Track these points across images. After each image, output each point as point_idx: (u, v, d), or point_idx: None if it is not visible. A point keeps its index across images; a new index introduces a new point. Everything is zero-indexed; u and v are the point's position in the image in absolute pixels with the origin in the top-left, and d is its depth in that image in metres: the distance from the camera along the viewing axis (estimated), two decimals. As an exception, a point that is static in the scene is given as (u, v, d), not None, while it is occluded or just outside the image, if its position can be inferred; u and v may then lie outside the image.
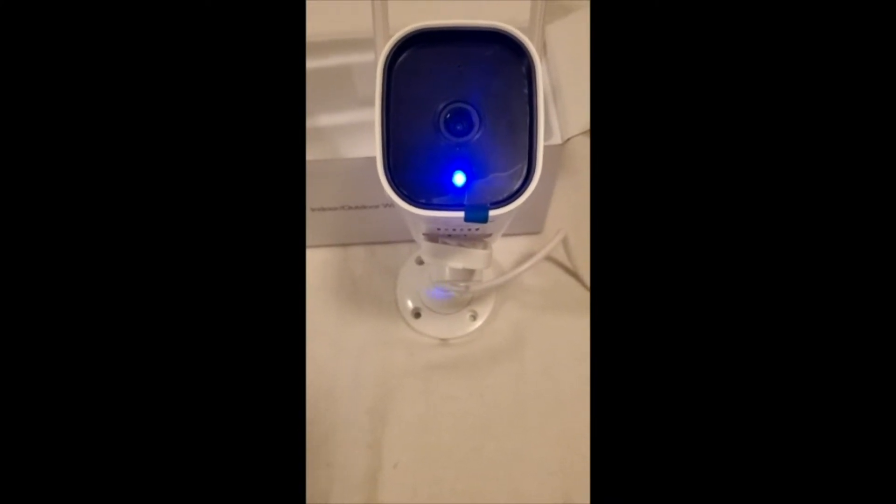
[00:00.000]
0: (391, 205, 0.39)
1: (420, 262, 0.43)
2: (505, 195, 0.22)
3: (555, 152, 0.35)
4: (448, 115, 0.22)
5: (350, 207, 0.40)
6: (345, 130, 0.35)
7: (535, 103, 0.22)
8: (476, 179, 0.22)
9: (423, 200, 0.22)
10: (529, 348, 0.41)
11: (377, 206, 0.40)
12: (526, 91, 0.22)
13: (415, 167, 0.22)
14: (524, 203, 0.22)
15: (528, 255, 0.38)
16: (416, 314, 0.42)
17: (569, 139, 0.35)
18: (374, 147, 0.22)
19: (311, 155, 0.35)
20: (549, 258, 0.44)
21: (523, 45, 0.22)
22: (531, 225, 0.44)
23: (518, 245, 0.44)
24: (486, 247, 0.29)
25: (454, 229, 0.27)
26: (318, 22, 0.37)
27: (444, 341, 0.42)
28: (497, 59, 0.22)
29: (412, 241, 0.43)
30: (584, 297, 0.43)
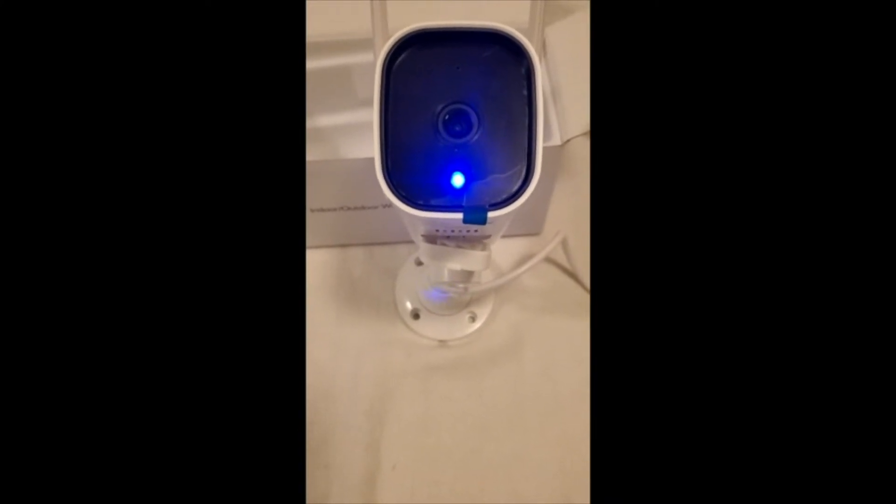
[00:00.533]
0: (390, 205, 0.39)
1: (419, 264, 0.43)
2: (504, 196, 0.22)
3: (554, 153, 0.35)
4: (447, 116, 0.22)
5: (349, 208, 0.40)
6: (344, 131, 0.35)
7: (535, 104, 0.22)
8: (475, 181, 0.22)
9: (422, 202, 0.22)
10: (528, 350, 0.41)
11: (376, 207, 0.40)
12: (525, 92, 0.22)
13: (413, 168, 0.22)
14: (523, 205, 0.22)
15: (528, 257, 0.38)
16: (415, 315, 0.42)
17: (568, 140, 0.35)
18: (372, 148, 0.22)
19: (310, 156, 0.35)
20: (548, 260, 0.44)
21: (522, 45, 0.22)
22: (530, 226, 0.44)
23: (517, 246, 0.44)
24: (484, 248, 0.29)
25: (452, 231, 0.26)
26: (318, 22, 0.37)
27: (442, 342, 0.41)
28: (496, 59, 0.22)
29: (411, 242, 0.43)
30: (584, 298, 0.43)
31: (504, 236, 0.43)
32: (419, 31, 0.22)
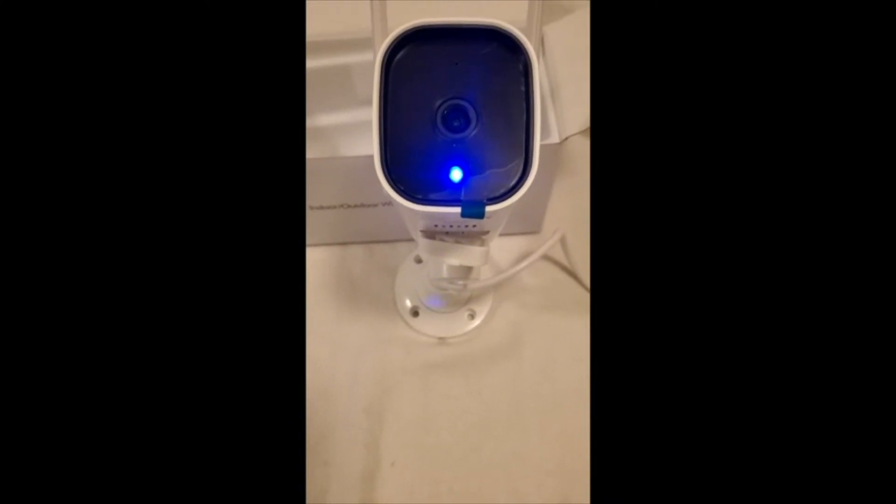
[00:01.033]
0: (390, 203, 0.39)
1: (418, 261, 0.43)
2: (502, 191, 0.22)
3: (553, 151, 0.35)
4: (445, 112, 0.22)
5: (349, 206, 0.40)
6: (344, 129, 0.36)
7: (532, 100, 0.22)
8: (473, 175, 0.22)
9: (420, 196, 0.23)
10: (527, 347, 0.41)
11: (376, 205, 0.40)
12: (523, 88, 0.22)
13: (412, 163, 0.23)
14: (521, 200, 0.22)
15: (527, 255, 0.38)
16: (415, 313, 0.42)
17: (567, 138, 0.35)
18: (372, 146, 0.22)
19: (310, 153, 0.35)
20: (547, 258, 0.44)
21: (520, 42, 0.22)
22: (529, 225, 0.44)
23: (516, 245, 0.44)
24: (483, 244, 0.29)
25: (451, 226, 0.27)
26: (318, 22, 0.37)
27: (442, 340, 0.42)
28: (494, 56, 0.22)
29: (410, 240, 0.43)
30: (583, 296, 0.43)
31: (503, 235, 0.44)
32: (418, 27, 0.22)
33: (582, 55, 0.30)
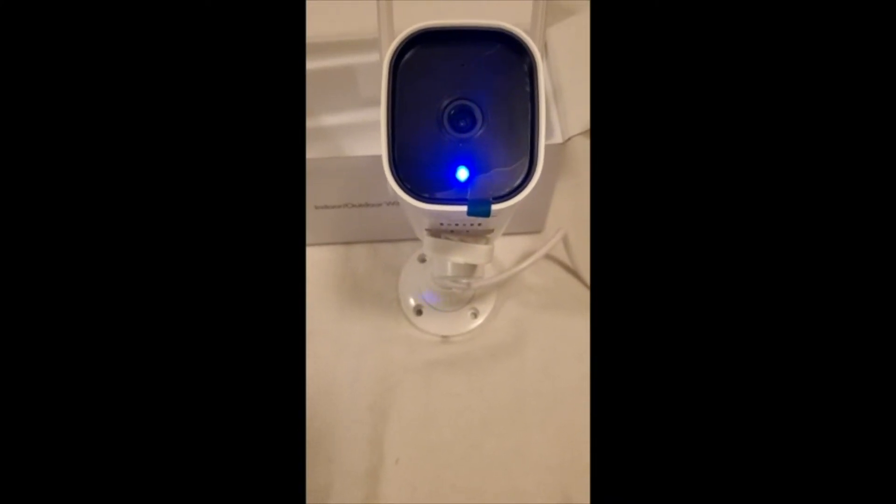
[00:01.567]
0: (394, 203, 0.39)
1: (422, 260, 0.44)
2: (507, 190, 0.23)
3: (556, 151, 0.36)
4: (451, 112, 0.23)
5: (353, 206, 0.40)
6: (348, 129, 0.36)
7: (537, 100, 0.23)
8: (479, 174, 0.23)
9: (427, 195, 0.23)
10: (530, 346, 0.42)
11: (380, 205, 0.40)
12: (528, 89, 0.23)
13: (419, 163, 0.23)
14: (525, 200, 0.23)
15: (529, 255, 0.38)
16: (418, 311, 0.42)
17: (569, 138, 0.35)
18: (376, 146, 0.23)
19: (314, 153, 0.35)
20: (549, 257, 0.44)
21: (525, 43, 0.22)
22: (532, 224, 0.45)
23: (519, 244, 0.45)
24: (487, 242, 0.29)
25: (457, 224, 0.27)
26: (323, 23, 0.38)
27: (445, 338, 0.42)
28: (499, 57, 0.23)
29: (414, 239, 0.44)
30: (585, 295, 0.43)
31: (506, 234, 0.44)
32: (425, 29, 0.23)
33: (583, 56, 0.30)
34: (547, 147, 0.23)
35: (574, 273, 0.44)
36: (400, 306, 0.43)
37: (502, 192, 0.23)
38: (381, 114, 0.23)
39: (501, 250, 0.44)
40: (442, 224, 0.27)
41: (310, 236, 0.43)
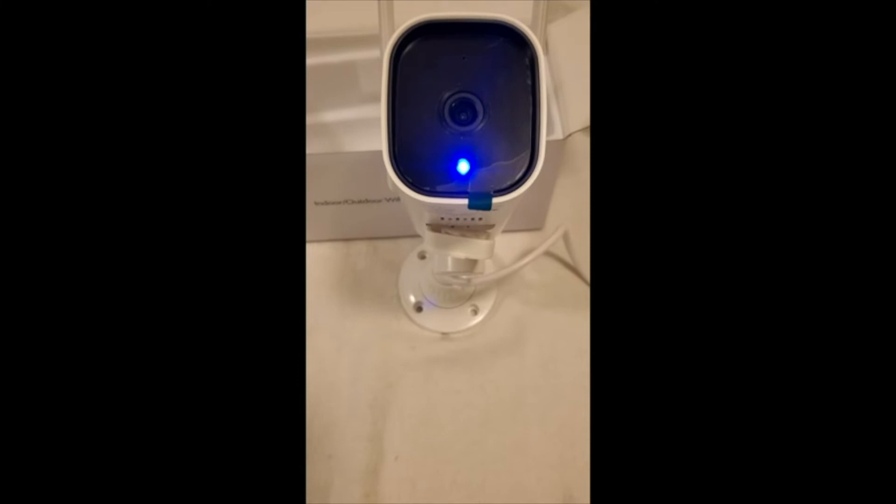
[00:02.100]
0: (394, 199, 0.39)
1: (422, 257, 0.44)
2: (508, 183, 0.23)
3: (556, 147, 0.36)
4: (453, 105, 0.23)
5: (353, 202, 0.40)
6: (349, 125, 0.36)
7: (538, 94, 0.23)
8: (480, 168, 0.23)
9: (428, 188, 0.23)
10: (530, 343, 0.42)
11: (380, 201, 0.40)
12: (529, 82, 0.23)
13: (419, 156, 0.23)
14: (527, 192, 0.23)
15: (530, 251, 0.38)
16: (418, 308, 0.42)
17: (570, 134, 0.35)
18: (376, 141, 0.23)
19: (314, 148, 0.35)
20: (550, 254, 0.44)
21: (526, 37, 0.22)
22: (532, 221, 0.45)
23: (519, 241, 0.45)
24: (488, 237, 0.29)
25: (458, 218, 0.27)
26: (324, 19, 0.38)
27: (445, 335, 0.42)
28: (501, 51, 0.23)
29: (414, 236, 0.44)
30: (585, 292, 0.43)
31: (506, 231, 0.44)
32: (425, 22, 0.22)
33: (584, 53, 0.30)
34: (547, 143, 0.23)
35: (574, 270, 0.44)
36: (400, 303, 0.43)
37: (503, 186, 0.23)
38: (381, 106, 0.22)
39: (502, 247, 0.44)
40: (442, 218, 0.27)
41: (309, 233, 0.43)
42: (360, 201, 0.40)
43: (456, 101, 0.23)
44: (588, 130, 0.35)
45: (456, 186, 0.23)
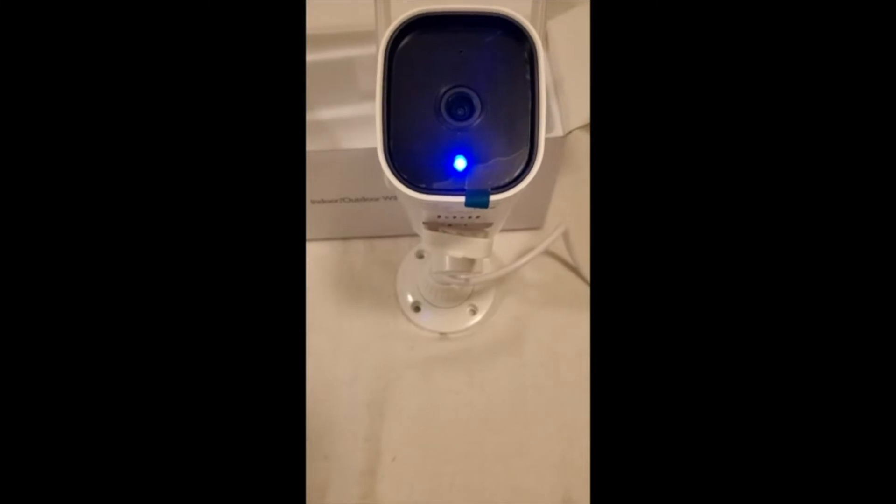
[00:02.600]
0: (392, 197, 0.39)
1: (420, 256, 0.43)
2: (506, 180, 0.22)
3: (556, 145, 0.35)
4: (449, 100, 0.22)
5: (350, 200, 0.40)
6: (346, 122, 0.35)
7: (537, 89, 0.22)
8: (477, 164, 0.22)
9: (424, 185, 0.22)
10: (529, 343, 0.41)
11: (377, 199, 0.40)
12: (528, 77, 0.22)
13: (416, 152, 0.22)
14: (525, 190, 0.22)
15: (529, 250, 0.38)
16: (416, 308, 0.42)
17: (570, 132, 0.35)
18: (374, 139, 0.22)
19: (312, 146, 0.35)
20: (549, 253, 0.44)
21: (525, 30, 0.22)
22: (532, 220, 0.44)
23: (518, 240, 0.44)
24: (486, 236, 0.29)
25: (455, 216, 0.26)
26: (322, 15, 0.37)
27: (443, 335, 0.41)
28: (499, 44, 0.22)
29: (412, 234, 0.43)
30: (585, 291, 0.43)
31: (505, 230, 0.43)
32: (422, 14, 0.22)
33: (584, 49, 0.30)
34: (547, 140, 0.22)
35: (574, 269, 0.43)
36: (398, 302, 0.42)
37: (501, 183, 0.22)
38: (376, 101, 0.22)
39: (500, 246, 0.44)
40: (440, 216, 0.27)
41: (307, 231, 0.43)
42: (357, 199, 0.40)
43: (453, 95, 0.22)
44: (588, 128, 0.35)
45: (453, 183, 0.22)
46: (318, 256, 0.44)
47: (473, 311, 0.42)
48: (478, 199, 0.22)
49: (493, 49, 0.22)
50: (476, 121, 0.22)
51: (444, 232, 0.28)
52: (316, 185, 0.38)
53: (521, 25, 0.22)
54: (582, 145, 0.47)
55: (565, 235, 0.40)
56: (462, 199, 0.22)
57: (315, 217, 0.41)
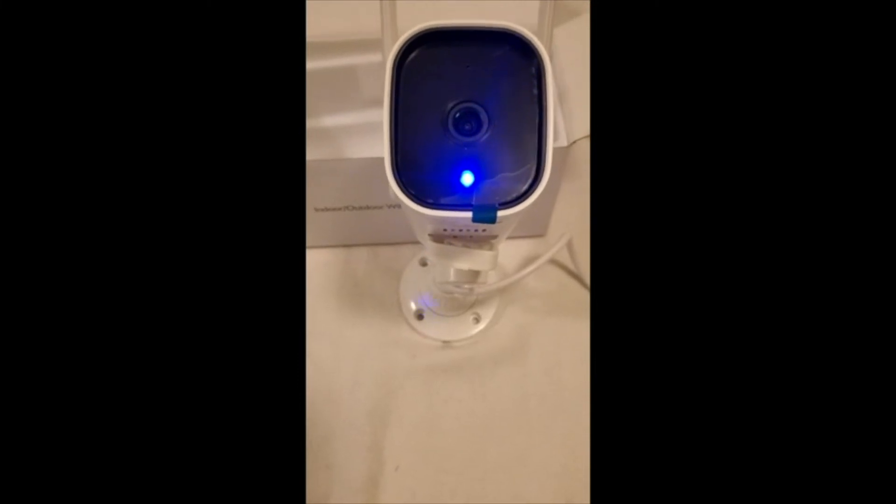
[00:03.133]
0: (395, 206, 0.39)
1: (423, 264, 0.43)
2: (513, 196, 0.22)
3: (560, 154, 0.35)
4: (457, 115, 0.22)
5: (353, 208, 0.40)
6: (350, 131, 0.35)
7: (545, 104, 0.22)
8: (484, 179, 0.22)
9: (431, 200, 0.22)
10: (532, 351, 0.41)
11: (381, 207, 0.40)
12: (535, 92, 0.22)
13: (422, 167, 0.22)
14: (531, 205, 0.22)
15: (533, 258, 0.38)
16: (419, 316, 0.42)
17: (574, 142, 0.35)
18: (378, 148, 0.22)
19: (315, 154, 0.34)
20: (553, 262, 0.44)
21: (533, 45, 0.22)
22: (535, 228, 0.44)
23: (522, 248, 0.44)
24: (492, 248, 0.29)
25: (461, 230, 0.26)
26: (325, 23, 0.37)
27: (446, 343, 0.41)
28: (507, 59, 0.22)
29: (415, 242, 0.43)
30: (588, 300, 0.43)
31: (509, 238, 0.43)
32: (429, 29, 0.22)
33: (587, 58, 0.30)
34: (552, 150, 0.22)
35: (578, 278, 0.43)
36: (401, 310, 0.42)
37: (508, 198, 0.22)
38: (383, 116, 0.22)
39: (504, 254, 0.44)
40: (445, 230, 0.27)
41: (310, 238, 0.43)
42: (360, 207, 0.40)
43: (460, 110, 0.22)
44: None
45: (460, 199, 0.22)
46: (321, 264, 0.43)
47: (477, 320, 0.42)
48: (485, 214, 0.22)
49: (500, 64, 0.22)
50: (483, 136, 0.22)
51: (450, 244, 0.28)
52: (319, 193, 0.38)
53: (528, 41, 0.22)
54: (585, 154, 0.47)
55: (569, 244, 0.40)
56: (469, 214, 0.22)
57: (318, 224, 0.41)
